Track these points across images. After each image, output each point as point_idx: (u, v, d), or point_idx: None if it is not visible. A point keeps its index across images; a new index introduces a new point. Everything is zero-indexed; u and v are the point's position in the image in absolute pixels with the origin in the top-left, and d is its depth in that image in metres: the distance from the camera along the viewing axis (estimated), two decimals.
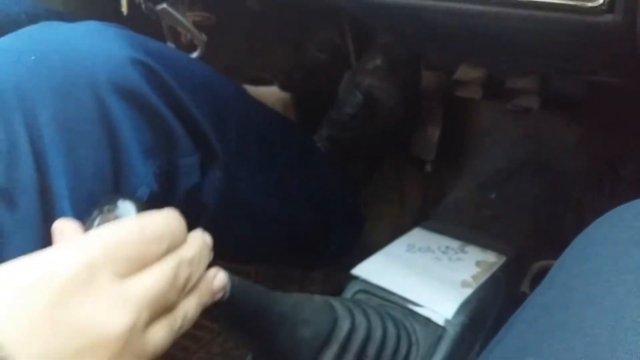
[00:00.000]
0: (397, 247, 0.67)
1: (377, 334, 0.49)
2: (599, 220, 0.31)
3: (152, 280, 0.30)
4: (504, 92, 0.75)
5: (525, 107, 0.73)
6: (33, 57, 0.45)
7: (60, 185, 0.44)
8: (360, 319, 0.49)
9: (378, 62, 0.86)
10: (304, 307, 0.46)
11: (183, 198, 0.52)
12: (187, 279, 0.33)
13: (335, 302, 0.50)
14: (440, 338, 0.52)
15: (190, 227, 0.58)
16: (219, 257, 0.80)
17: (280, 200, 0.45)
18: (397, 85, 0.86)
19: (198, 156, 0.52)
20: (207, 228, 0.59)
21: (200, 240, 0.35)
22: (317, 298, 0.49)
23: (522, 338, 0.28)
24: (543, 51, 0.51)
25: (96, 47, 0.47)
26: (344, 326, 0.47)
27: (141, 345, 0.29)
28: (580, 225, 0.33)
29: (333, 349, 0.46)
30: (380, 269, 0.61)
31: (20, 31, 0.48)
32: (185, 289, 0.33)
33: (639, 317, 0.25)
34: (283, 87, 1.03)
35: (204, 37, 0.81)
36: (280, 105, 1.01)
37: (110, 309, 0.28)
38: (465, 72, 0.69)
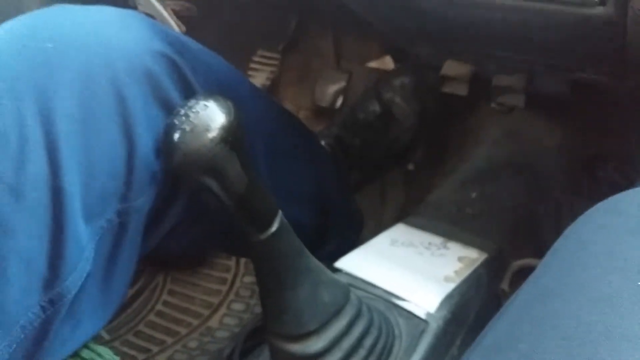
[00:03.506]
0: (380, 242, 0.66)
1: (375, 329, 0.48)
2: (593, 208, 0.31)
3: None
4: (489, 91, 0.75)
5: (510, 105, 0.74)
6: (50, 45, 0.42)
7: (72, 182, 0.41)
8: (365, 309, 0.49)
9: (405, 80, 0.85)
10: (326, 271, 0.46)
11: (187, 197, 0.51)
12: None
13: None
14: (422, 331, 0.52)
15: (191, 226, 0.57)
16: (214, 248, 0.77)
17: (282, 201, 0.44)
18: (416, 109, 0.85)
19: None
20: (207, 224, 0.57)
21: None
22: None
23: (515, 325, 0.28)
24: (533, 45, 0.51)
25: (117, 36, 0.45)
26: (354, 306, 0.47)
27: None
28: (558, 225, 0.33)
29: (342, 322, 0.46)
30: (364, 262, 0.61)
31: (34, 14, 0.45)
32: None
33: (635, 305, 0.25)
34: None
35: (183, 28, 0.78)
36: None
37: None
38: (452, 67, 0.69)
